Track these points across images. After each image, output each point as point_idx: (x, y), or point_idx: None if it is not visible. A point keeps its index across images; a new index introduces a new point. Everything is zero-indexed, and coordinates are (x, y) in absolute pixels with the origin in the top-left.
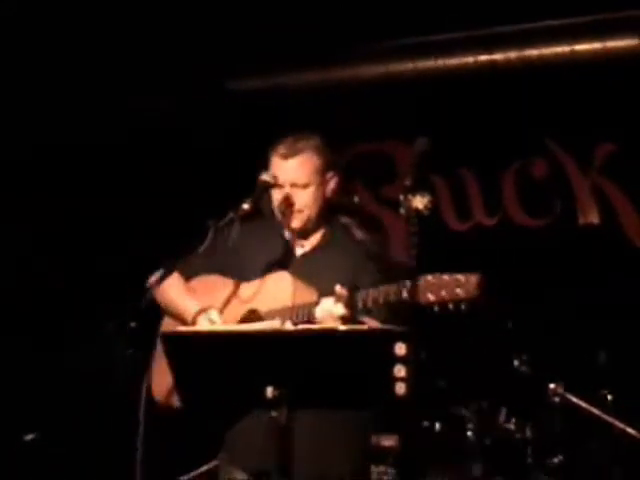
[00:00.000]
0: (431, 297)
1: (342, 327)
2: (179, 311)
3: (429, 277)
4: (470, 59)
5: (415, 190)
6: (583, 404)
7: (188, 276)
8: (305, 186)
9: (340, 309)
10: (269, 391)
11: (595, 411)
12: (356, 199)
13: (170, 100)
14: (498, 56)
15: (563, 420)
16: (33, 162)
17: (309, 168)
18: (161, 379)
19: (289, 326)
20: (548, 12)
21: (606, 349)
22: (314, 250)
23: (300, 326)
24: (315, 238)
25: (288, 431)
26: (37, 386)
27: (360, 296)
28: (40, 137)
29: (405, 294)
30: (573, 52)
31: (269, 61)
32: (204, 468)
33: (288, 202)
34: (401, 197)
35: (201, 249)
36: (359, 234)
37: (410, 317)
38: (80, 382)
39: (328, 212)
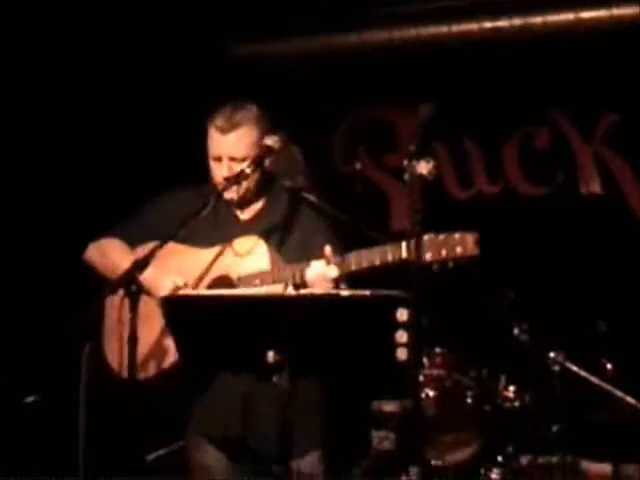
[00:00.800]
0: (429, 256)
1: (345, 292)
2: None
3: (426, 237)
4: (474, 26)
5: (419, 156)
6: (583, 373)
7: (131, 242)
8: (243, 159)
9: (333, 271)
10: (270, 356)
11: (594, 380)
12: (358, 166)
13: (171, 66)
14: (502, 23)
15: (562, 389)
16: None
17: (247, 142)
18: (115, 350)
19: (291, 291)
20: None
21: (606, 318)
22: (256, 217)
23: (304, 291)
24: (256, 206)
25: (291, 397)
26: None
27: (353, 257)
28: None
29: (404, 254)
30: (578, 19)
31: (271, 27)
32: (174, 446)
33: (228, 176)
34: (405, 162)
35: (204, 213)
36: (307, 195)
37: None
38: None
39: (268, 180)
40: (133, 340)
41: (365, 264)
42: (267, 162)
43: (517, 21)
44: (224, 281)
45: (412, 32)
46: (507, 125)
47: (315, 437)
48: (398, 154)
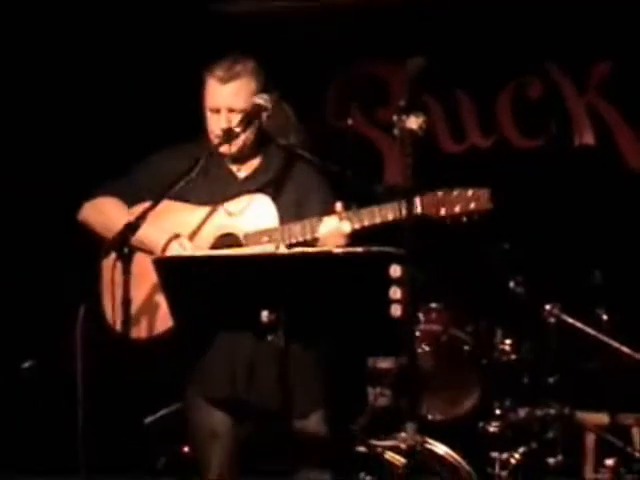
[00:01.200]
0: (443, 211)
1: (337, 250)
2: (145, 240)
3: (439, 193)
4: None
5: (409, 111)
6: (579, 324)
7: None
8: (242, 111)
9: (347, 226)
10: (264, 315)
11: (591, 331)
12: (350, 122)
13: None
14: None
15: (559, 340)
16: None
17: (246, 93)
18: (115, 308)
19: (283, 249)
20: None
21: (601, 269)
22: (255, 173)
23: (296, 249)
24: (254, 163)
25: (286, 355)
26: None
27: (367, 213)
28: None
29: (419, 209)
30: None
31: None
32: (172, 408)
33: (229, 129)
34: (395, 118)
35: (194, 173)
36: (302, 152)
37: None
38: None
39: (264, 137)
40: (126, 302)
41: (378, 220)
42: (263, 119)
43: None
44: (230, 239)
45: None
46: (499, 76)
47: (317, 397)
48: (390, 109)
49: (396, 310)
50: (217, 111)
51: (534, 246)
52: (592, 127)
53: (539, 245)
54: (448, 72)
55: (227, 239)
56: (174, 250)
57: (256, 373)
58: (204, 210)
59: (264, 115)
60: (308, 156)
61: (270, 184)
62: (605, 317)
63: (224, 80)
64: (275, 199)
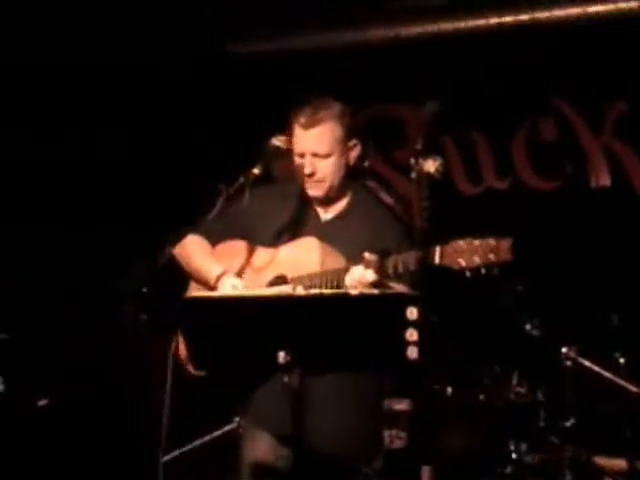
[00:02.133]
0: (463, 262)
1: (354, 292)
2: (201, 272)
3: (460, 242)
4: (481, 21)
5: (426, 153)
6: (596, 367)
7: (211, 241)
8: (327, 156)
9: (370, 275)
10: (281, 356)
11: (608, 374)
12: (366, 162)
13: (173, 61)
14: (509, 18)
15: (575, 383)
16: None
17: (330, 138)
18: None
19: (300, 291)
20: None
21: (619, 312)
22: (339, 216)
23: (313, 291)
24: (341, 205)
25: (300, 396)
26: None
27: (390, 262)
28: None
29: (437, 259)
30: (586, 14)
31: (276, 23)
32: (223, 430)
33: (311, 172)
34: (412, 161)
35: (213, 213)
36: (387, 198)
37: (434, 282)
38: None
39: (352, 178)
40: None
41: (401, 268)
42: (351, 160)
43: (524, 16)
44: (282, 281)
45: (418, 28)
46: (515, 118)
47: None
48: (407, 150)
49: (412, 352)
50: (302, 156)
51: (551, 288)
52: (608, 168)
53: (556, 287)
54: (464, 114)
55: (279, 280)
56: (224, 287)
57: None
58: (270, 251)
59: (353, 156)
60: (390, 200)
61: (353, 229)
62: (623, 360)
63: (307, 126)
64: (356, 244)
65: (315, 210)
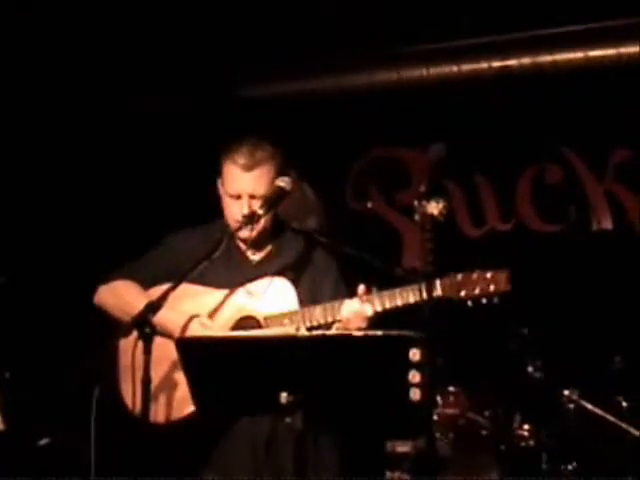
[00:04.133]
0: (463, 293)
1: (357, 333)
2: (161, 322)
3: (459, 275)
4: (484, 65)
5: (430, 196)
6: (598, 411)
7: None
8: (262, 197)
9: (369, 309)
10: (283, 397)
11: (610, 417)
12: (370, 205)
13: (181, 104)
14: (512, 62)
15: (578, 426)
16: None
17: (267, 179)
18: (130, 392)
19: (303, 332)
20: (561, 18)
21: (621, 355)
22: (268, 257)
23: (314, 332)
24: (268, 248)
25: (304, 437)
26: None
27: (388, 296)
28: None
29: (439, 291)
30: (587, 58)
31: (282, 68)
32: None
33: (252, 214)
34: (415, 203)
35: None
36: (316, 236)
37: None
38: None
39: (279, 221)
40: (147, 383)
41: (399, 302)
42: (279, 203)
43: (526, 60)
44: (250, 321)
45: (422, 71)
46: (518, 162)
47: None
48: (410, 192)
49: (415, 394)
50: (238, 197)
51: (553, 331)
52: (610, 212)
53: (558, 330)
54: (468, 158)
55: (247, 322)
56: (195, 329)
57: (273, 451)
58: (223, 292)
59: (287, 187)
60: (323, 240)
61: (285, 267)
62: (625, 404)
63: (246, 168)
64: (292, 282)
65: (244, 252)
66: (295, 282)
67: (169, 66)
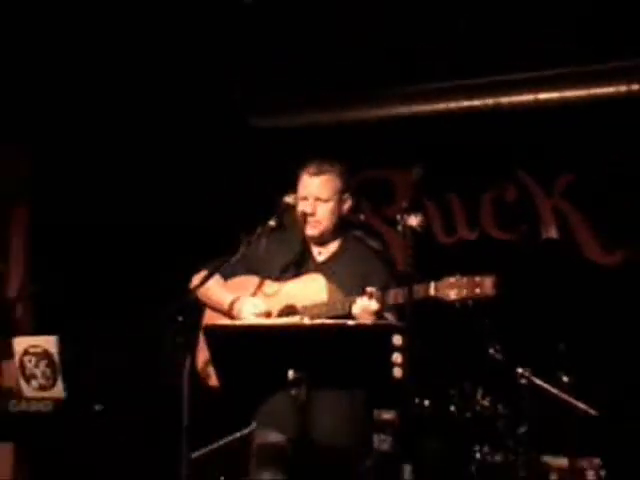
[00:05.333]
0: (453, 295)
1: (350, 322)
2: (218, 303)
3: (451, 279)
4: (454, 104)
5: (410, 211)
6: (545, 385)
7: (226, 278)
8: (326, 201)
9: (374, 305)
10: (290, 374)
11: (554, 391)
12: (362, 217)
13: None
14: (477, 102)
15: (529, 398)
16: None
17: (331, 187)
18: (202, 361)
19: (307, 321)
20: (517, 66)
21: (564, 340)
22: (332, 257)
23: (317, 320)
24: (333, 246)
25: (306, 407)
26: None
27: (391, 294)
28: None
29: (432, 292)
30: (537, 100)
31: (290, 102)
32: (237, 435)
33: (311, 212)
34: (398, 216)
35: (236, 257)
36: (373, 243)
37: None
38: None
39: (342, 227)
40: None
41: (401, 299)
42: (344, 211)
43: (489, 101)
44: (292, 309)
45: (407, 109)
46: (482, 183)
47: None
48: (394, 207)
49: (398, 372)
50: (306, 198)
51: (510, 321)
52: (556, 224)
53: (514, 320)
54: (442, 179)
55: (289, 308)
56: (245, 307)
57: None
58: (276, 283)
59: (346, 207)
60: (376, 245)
61: (343, 268)
62: (566, 379)
63: (314, 174)
64: (347, 281)
65: (311, 253)
66: (347, 281)
67: (193, 99)
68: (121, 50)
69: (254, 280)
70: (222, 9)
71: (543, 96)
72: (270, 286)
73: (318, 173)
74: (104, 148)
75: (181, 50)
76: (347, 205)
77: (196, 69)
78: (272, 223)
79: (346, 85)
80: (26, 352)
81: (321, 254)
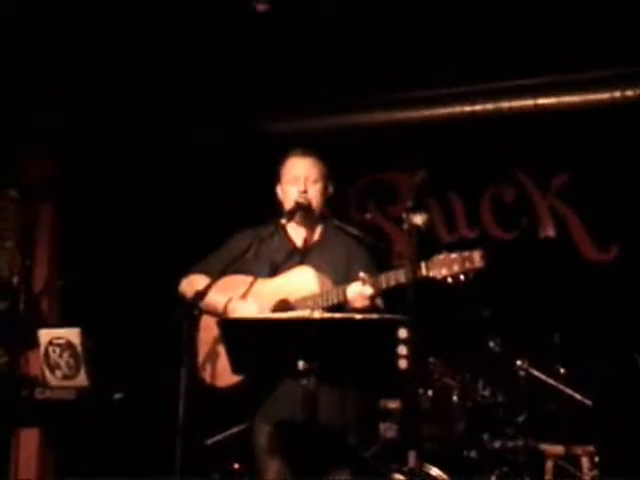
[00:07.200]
0: (445, 271)
1: (358, 316)
2: (211, 304)
3: (440, 256)
4: (457, 109)
5: (415, 210)
6: (542, 376)
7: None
8: (315, 181)
9: (369, 289)
10: (300, 364)
11: (551, 381)
12: (368, 216)
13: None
14: (478, 107)
15: (527, 389)
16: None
17: (319, 168)
18: (207, 364)
19: (317, 314)
20: (517, 73)
21: (560, 333)
22: (314, 245)
23: (326, 314)
24: (315, 235)
25: (316, 396)
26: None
27: (383, 278)
28: None
29: (424, 271)
30: (536, 105)
31: (301, 107)
32: (236, 429)
33: (304, 189)
34: (403, 215)
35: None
36: (353, 230)
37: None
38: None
39: (323, 215)
40: (192, 353)
41: (393, 282)
42: (330, 192)
43: (489, 106)
44: (285, 303)
45: (412, 113)
46: (482, 183)
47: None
48: (399, 207)
49: (403, 363)
50: (296, 179)
51: (510, 315)
52: (553, 224)
53: (513, 314)
54: (444, 180)
55: (283, 303)
56: (236, 306)
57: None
58: (265, 281)
59: (328, 194)
60: (357, 233)
61: (325, 256)
62: (562, 371)
63: (303, 155)
64: (327, 267)
65: (293, 242)
66: (331, 267)
67: (208, 107)
68: (140, 57)
69: (245, 279)
70: (236, 16)
71: (542, 101)
72: (261, 284)
73: (306, 155)
74: (127, 147)
75: (196, 56)
76: (330, 191)
77: (210, 75)
78: (283, 221)
79: (352, 91)
80: (50, 343)
81: (303, 241)
